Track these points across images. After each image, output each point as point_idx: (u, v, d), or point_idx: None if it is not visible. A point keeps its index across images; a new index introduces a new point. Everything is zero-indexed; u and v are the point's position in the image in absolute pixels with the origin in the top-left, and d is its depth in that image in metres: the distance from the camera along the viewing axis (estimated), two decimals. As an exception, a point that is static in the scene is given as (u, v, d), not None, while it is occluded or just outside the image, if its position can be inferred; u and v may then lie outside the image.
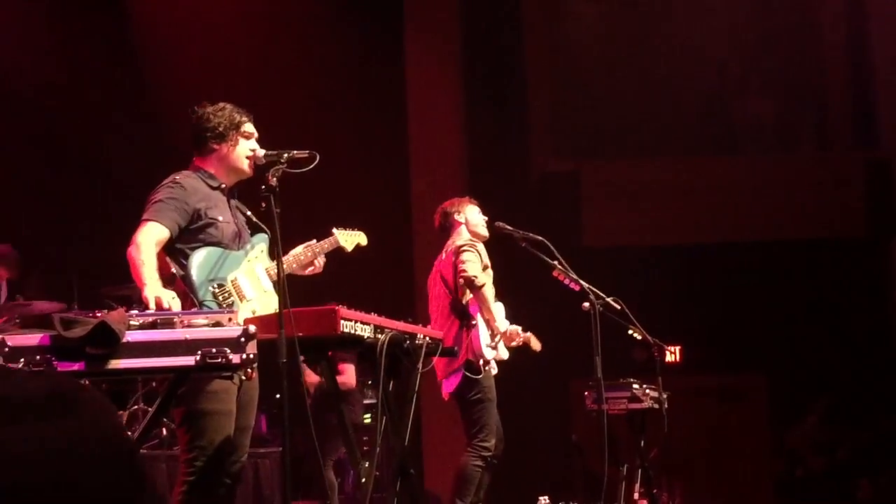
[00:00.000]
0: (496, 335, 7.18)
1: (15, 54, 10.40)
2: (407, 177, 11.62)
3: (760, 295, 11.73)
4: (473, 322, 7.14)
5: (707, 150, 12.93)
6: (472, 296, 7.20)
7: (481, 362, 7.11)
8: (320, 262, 5.50)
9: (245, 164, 5.15)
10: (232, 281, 4.97)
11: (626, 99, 12.46)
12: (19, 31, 10.45)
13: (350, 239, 5.98)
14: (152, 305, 4.52)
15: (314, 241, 5.58)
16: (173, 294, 4.68)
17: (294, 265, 5.36)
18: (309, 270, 5.47)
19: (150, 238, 4.85)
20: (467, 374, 7.10)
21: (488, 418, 7.16)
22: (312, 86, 11.10)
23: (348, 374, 8.92)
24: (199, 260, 4.93)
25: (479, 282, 7.08)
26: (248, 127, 5.20)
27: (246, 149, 5.15)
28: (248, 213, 5.22)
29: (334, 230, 5.86)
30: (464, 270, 7.12)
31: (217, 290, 4.89)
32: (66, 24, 10.71)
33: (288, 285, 4.79)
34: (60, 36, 10.65)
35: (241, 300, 4.93)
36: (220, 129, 5.13)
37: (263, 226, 5.06)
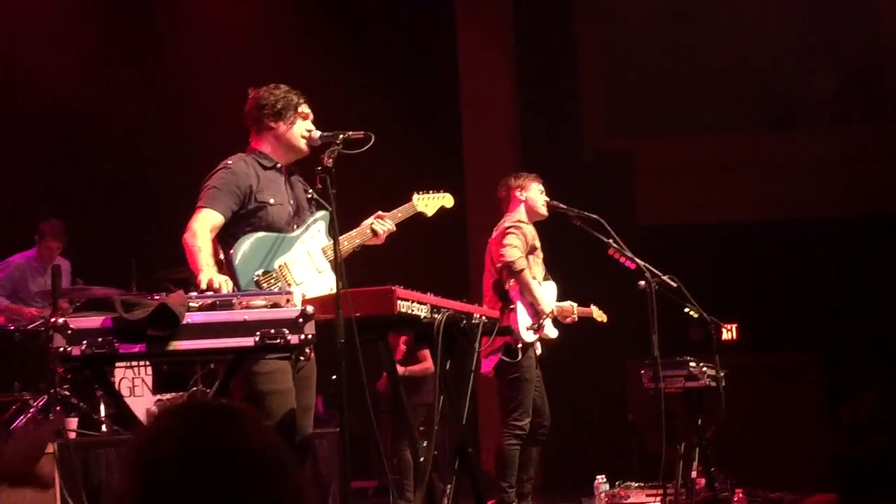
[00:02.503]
0: (542, 317, 7.19)
1: (65, 54, 10.53)
2: (460, 156, 11.61)
3: (818, 271, 11.61)
4: (512, 306, 7.16)
5: (762, 126, 12.80)
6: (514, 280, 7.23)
7: (520, 346, 7.13)
8: (383, 229, 5.40)
9: (302, 143, 5.17)
10: (279, 267, 4.98)
11: (681, 76, 12.34)
12: (61, 32, 10.56)
13: (431, 203, 5.88)
14: (204, 286, 4.57)
15: (378, 212, 5.49)
16: (226, 277, 4.72)
17: (357, 240, 5.32)
18: (371, 240, 5.41)
19: (204, 225, 4.89)
20: (504, 357, 7.13)
21: (524, 397, 7.20)
22: (366, 65, 11.12)
23: (430, 361, 9.00)
24: (245, 249, 4.95)
25: (517, 266, 7.10)
26: (305, 107, 5.21)
27: (302, 128, 5.17)
28: (310, 190, 5.23)
29: (414, 195, 5.79)
30: (502, 255, 7.16)
31: (261, 278, 4.90)
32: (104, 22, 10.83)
33: (345, 264, 4.80)
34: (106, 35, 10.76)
35: (288, 285, 4.92)
36: (279, 106, 5.15)
37: (325, 203, 5.04)
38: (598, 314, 7.96)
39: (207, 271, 4.70)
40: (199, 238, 4.83)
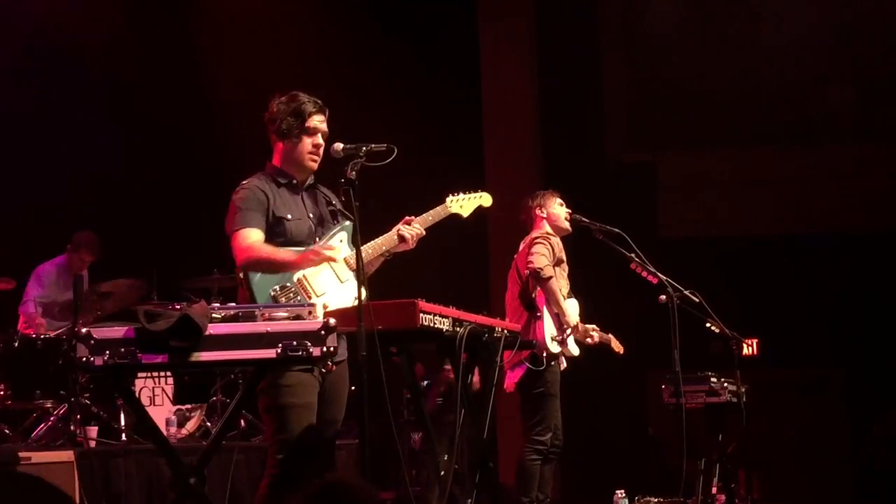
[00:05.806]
0: (566, 329, 7.17)
1: (95, 56, 10.59)
2: (482, 169, 11.58)
3: (839, 287, 11.55)
4: (539, 314, 7.15)
5: (785, 140, 12.74)
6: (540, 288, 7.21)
7: (545, 355, 7.11)
8: (410, 233, 5.23)
9: (307, 161, 5.08)
10: (298, 280, 4.92)
11: (703, 89, 12.31)
12: (98, 29, 10.60)
13: (467, 203, 5.63)
14: (327, 254, 4.83)
15: (406, 217, 5.35)
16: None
17: (384, 247, 5.18)
18: (400, 247, 5.24)
19: (253, 240, 4.88)
20: (530, 366, 7.11)
21: (548, 412, 7.17)
22: (388, 76, 11.12)
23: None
24: None
25: (545, 274, 7.08)
26: (315, 120, 5.08)
27: (308, 145, 5.07)
28: (334, 202, 5.17)
29: (447, 197, 5.57)
30: (531, 262, 7.15)
31: (278, 293, 4.85)
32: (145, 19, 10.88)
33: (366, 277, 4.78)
34: (141, 34, 10.80)
35: (308, 297, 4.88)
36: (283, 126, 5.06)
37: (348, 214, 4.99)
38: (616, 345, 7.90)
39: (305, 253, 4.85)
40: (259, 249, 4.86)
